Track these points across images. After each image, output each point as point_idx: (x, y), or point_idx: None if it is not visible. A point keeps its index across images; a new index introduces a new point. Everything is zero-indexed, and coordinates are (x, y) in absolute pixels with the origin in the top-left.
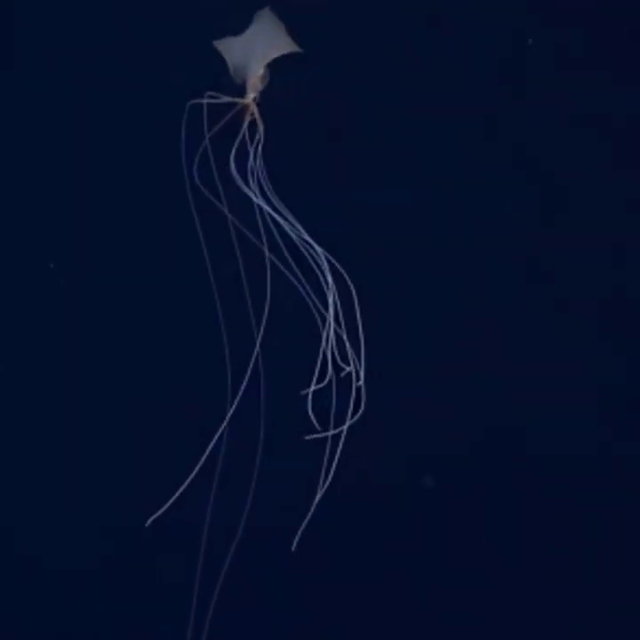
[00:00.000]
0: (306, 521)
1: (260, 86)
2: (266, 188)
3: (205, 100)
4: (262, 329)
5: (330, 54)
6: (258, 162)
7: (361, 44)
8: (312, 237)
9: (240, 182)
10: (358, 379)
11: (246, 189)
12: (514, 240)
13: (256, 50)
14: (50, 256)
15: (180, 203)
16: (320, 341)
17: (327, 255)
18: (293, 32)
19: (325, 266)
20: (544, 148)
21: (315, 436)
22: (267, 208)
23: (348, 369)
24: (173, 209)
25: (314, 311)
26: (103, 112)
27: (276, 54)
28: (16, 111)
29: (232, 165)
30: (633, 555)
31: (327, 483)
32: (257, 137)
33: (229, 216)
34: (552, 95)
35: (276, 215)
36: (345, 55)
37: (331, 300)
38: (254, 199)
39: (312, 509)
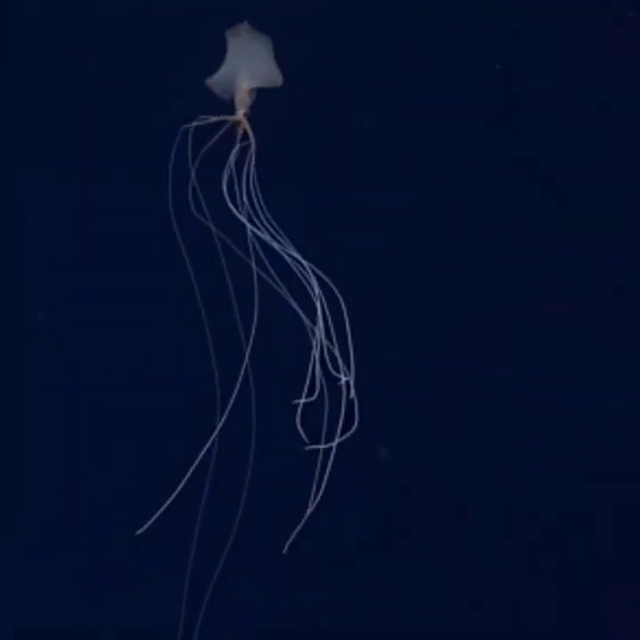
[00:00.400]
0: (298, 528)
1: (248, 101)
2: (258, 206)
3: (196, 123)
4: (251, 343)
5: (327, 55)
6: (251, 177)
7: (359, 45)
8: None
9: (230, 204)
10: (350, 391)
11: (236, 212)
12: (513, 241)
13: (240, 68)
14: (40, 277)
15: (168, 221)
16: (311, 354)
17: (314, 269)
18: (290, 33)
19: (314, 280)
20: (544, 148)
21: (313, 446)
22: (253, 229)
23: (343, 379)
24: (163, 226)
25: (306, 324)
26: (96, 139)
27: (259, 84)
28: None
29: (224, 185)
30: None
31: (320, 492)
32: (249, 153)
33: (215, 231)
34: (552, 95)
35: (261, 234)
36: (343, 56)
37: (318, 306)
38: (247, 224)
39: (304, 519)
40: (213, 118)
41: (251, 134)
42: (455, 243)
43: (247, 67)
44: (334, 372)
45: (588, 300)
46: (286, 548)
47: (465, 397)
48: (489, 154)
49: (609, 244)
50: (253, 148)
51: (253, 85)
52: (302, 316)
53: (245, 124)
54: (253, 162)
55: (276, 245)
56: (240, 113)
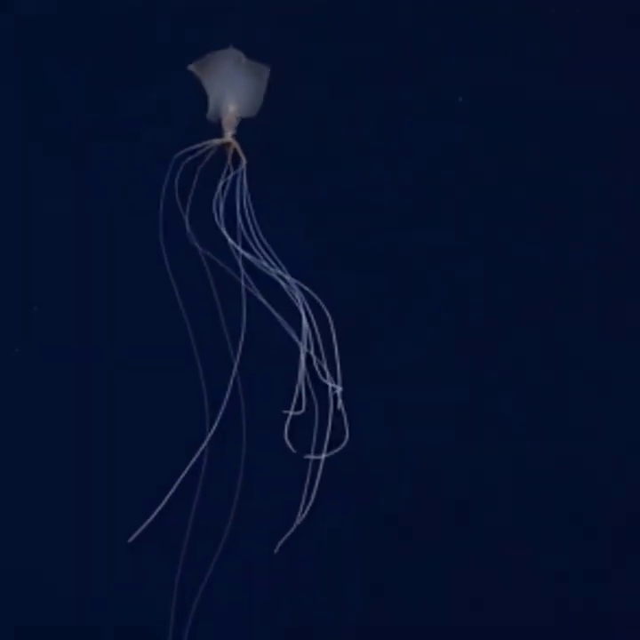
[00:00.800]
0: (289, 533)
1: (235, 123)
2: (251, 224)
3: (188, 149)
4: (238, 358)
5: (327, 55)
6: (244, 197)
7: (359, 46)
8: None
9: (221, 227)
10: (337, 402)
11: (225, 232)
12: (513, 242)
13: (225, 91)
14: (34, 298)
15: (160, 245)
16: (298, 368)
17: (301, 285)
18: (290, 33)
19: (299, 294)
20: (544, 148)
21: (309, 456)
22: (242, 251)
23: (331, 385)
24: (155, 250)
25: (295, 339)
26: (90, 164)
27: (244, 114)
28: None
29: (215, 206)
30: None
31: (311, 500)
32: (241, 171)
33: (202, 252)
34: (552, 95)
35: (248, 256)
36: (342, 56)
37: (304, 319)
38: (234, 244)
39: (294, 526)
40: (204, 143)
41: (241, 154)
42: (449, 249)
43: (232, 91)
44: (324, 379)
45: (588, 299)
46: (277, 548)
47: (460, 403)
48: (489, 154)
49: (609, 244)
50: (244, 165)
51: (238, 114)
52: (289, 330)
53: (235, 145)
54: (245, 181)
55: (266, 266)
56: (228, 134)
